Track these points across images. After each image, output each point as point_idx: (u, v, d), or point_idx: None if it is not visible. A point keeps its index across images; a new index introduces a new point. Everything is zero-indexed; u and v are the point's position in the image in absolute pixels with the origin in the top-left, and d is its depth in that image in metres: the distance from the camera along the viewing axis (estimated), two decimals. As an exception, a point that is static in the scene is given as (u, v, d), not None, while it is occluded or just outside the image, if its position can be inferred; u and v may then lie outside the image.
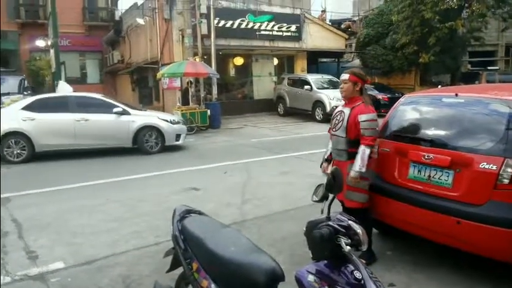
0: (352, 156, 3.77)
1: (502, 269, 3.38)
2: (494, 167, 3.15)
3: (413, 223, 3.67)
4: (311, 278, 2.12)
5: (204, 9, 16.13)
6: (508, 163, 3.10)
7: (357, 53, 23.14)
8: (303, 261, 2.54)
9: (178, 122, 10.78)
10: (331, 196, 2.41)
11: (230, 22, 17.84)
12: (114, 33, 24.93)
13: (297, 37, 19.83)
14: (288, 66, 21.41)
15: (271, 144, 11.31)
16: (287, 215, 5.35)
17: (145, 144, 10.05)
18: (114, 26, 24.97)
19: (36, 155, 9.45)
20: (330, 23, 24.77)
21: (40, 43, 19.94)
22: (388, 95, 17.61)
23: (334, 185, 2.38)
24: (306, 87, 17.09)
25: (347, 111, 3.82)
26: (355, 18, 29.16)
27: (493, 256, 3.25)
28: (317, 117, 16.47)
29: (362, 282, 2.01)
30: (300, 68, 20.89)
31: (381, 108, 14.03)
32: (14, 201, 6.23)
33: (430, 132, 3.81)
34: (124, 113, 9.94)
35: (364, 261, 2.20)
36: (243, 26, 18.22)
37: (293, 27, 19.58)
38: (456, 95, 3.76)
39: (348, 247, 2.03)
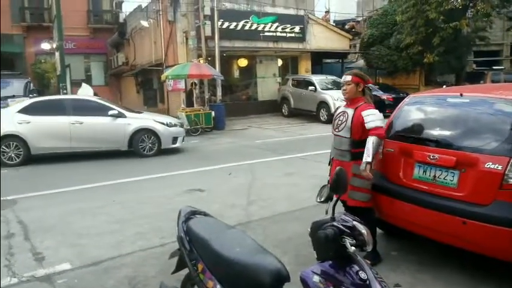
0: (355, 156, 3.77)
1: (506, 269, 3.37)
2: (500, 167, 3.14)
3: (418, 223, 3.66)
4: (316, 278, 2.12)
5: (207, 11, 16.15)
6: (514, 163, 3.09)
7: (361, 53, 23.10)
8: (308, 262, 2.55)
9: (175, 125, 10.60)
10: (335, 197, 2.41)
11: (234, 24, 17.89)
12: (118, 36, 25.05)
13: (301, 38, 19.84)
14: (292, 67, 21.40)
15: (275, 145, 11.31)
16: (292, 216, 5.35)
17: (140, 147, 9.93)
18: (119, 28, 25.09)
19: (32, 158, 9.46)
20: (334, 24, 24.75)
21: (45, 46, 20.06)
22: (393, 95, 17.57)
23: (338, 186, 2.38)
24: (310, 88, 17.07)
25: (350, 111, 3.82)
26: (359, 19, 29.11)
27: (497, 256, 3.24)
28: (321, 118, 16.45)
29: (367, 282, 2.01)
30: (304, 68, 20.88)
31: (386, 108, 13.97)
32: (19, 203, 6.27)
33: (435, 132, 3.80)
34: (119, 115, 9.84)
35: (369, 262, 2.20)
36: (246, 28, 18.26)
37: (297, 28, 19.59)
38: (461, 94, 3.75)
39: (353, 247, 2.03)
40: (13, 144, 9.21)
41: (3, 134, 9.11)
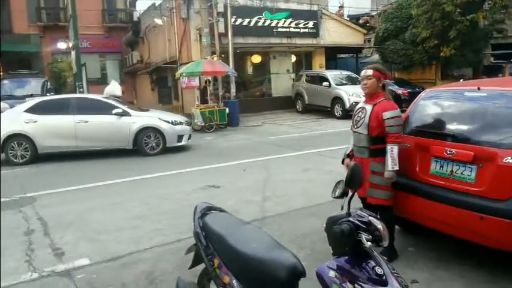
0: (373, 153, 3.73)
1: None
2: (519, 162, 3.09)
3: (435, 219, 3.63)
4: (332, 273, 2.13)
5: (221, 8, 16.17)
6: (533, 157, 3.04)
7: (375, 48, 22.87)
8: (324, 258, 2.55)
9: (180, 123, 10.53)
10: (350, 192, 2.40)
11: (247, 20, 17.89)
12: (133, 34, 25.24)
13: (315, 33, 19.74)
14: (306, 62, 21.30)
15: (290, 141, 11.29)
16: (307, 212, 5.35)
17: (144, 145, 9.91)
18: (133, 27, 25.29)
19: (39, 157, 9.59)
20: (348, 19, 24.55)
21: (61, 45, 20.32)
22: (409, 90, 17.35)
23: (353, 181, 2.38)
24: (325, 83, 16.96)
25: (369, 107, 3.75)
26: (374, 13, 28.81)
27: (517, 252, 3.20)
28: (336, 113, 16.35)
29: (384, 278, 2.01)
30: (318, 64, 20.77)
31: (402, 103, 13.82)
32: (38, 200, 6.40)
33: (452, 126, 3.75)
34: (124, 114, 9.87)
35: (385, 258, 2.19)
36: (260, 24, 18.24)
37: (310, 24, 19.49)
38: (478, 88, 3.70)
39: (369, 243, 2.03)
40: (20, 143, 9.36)
41: (10, 133, 9.27)
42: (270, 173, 7.60)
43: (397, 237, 4.03)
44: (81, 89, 14.83)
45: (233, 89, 16.72)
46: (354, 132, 3.92)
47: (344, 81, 17.15)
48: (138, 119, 10.01)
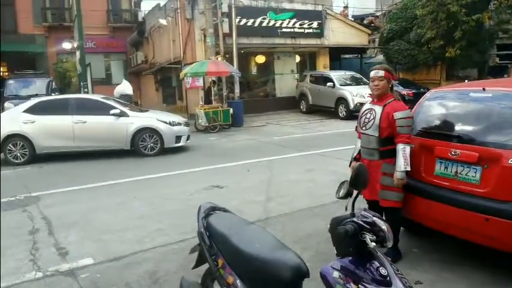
0: (384, 154, 3.69)
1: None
2: (524, 163, 3.07)
3: (439, 220, 3.61)
4: (336, 274, 2.12)
5: (225, 8, 16.20)
6: (539, 158, 3.02)
7: (380, 48, 22.81)
8: (328, 259, 2.54)
9: (179, 124, 10.46)
10: (355, 193, 2.40)
11: (251, 20, 17.88)
12: (137, 35, 25.32)
13: (319, 34, 19.72)
14: (310, 63, 21.28)
15: (294, 142, 11.28)
16: (311, 213, 5.34)
17: (140, 146, 9.86)
18: (138, 27, 25.36)
19: (39, 157, 9.60)
20: (353, 19, 24.50)
21: (66, 45, 20.39)
22: (413, 91, 17.29)
23: (358, 181, 2.37)
24: (329, 84, 16.95)
25: (378, 109, 3.70)
26: (378, 13, 28.74)
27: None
28: (340, 114, 16.32)
29: (388, 278, 2.00)
30: (322, 64, 20.75)
31: (406, 104, 13.73)
32: (43, 200, 6.42)
33: (457, 127, 3.74)
34: (122, 114, 9.82)
35: (389, 259, 2.18)
36: (264, 24, 18.24)
37: (315, 24, 19.48)
38: (484, 89, 3.68)
39: (373, 243, 2.02)
40: (19, 143, 9.37)
41: (9, 133, 9.29)
42: (273, 174, 7.60)
43: (401, 238, 4.02)
44: (85, 89, 14.89)
45: (237, 90, 16.73)
46: (362, 133, 3.86)
47: (348, 82, 17.11)
48: (136, 120, 9.97)
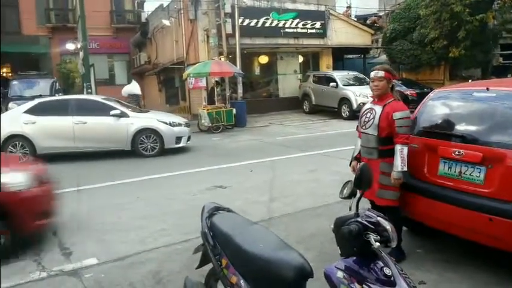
0: (383, 154, 3.71)
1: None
2: (528, 163, 3.06)
3: (443, 220, 3.61)
4: (340, 274, 2.12)
5: (228, 9, 16.20)
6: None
7: (383, 48, 22.77)
8: (332, 259, 2.54)
9: (179, 124, 10.44)
10: (359, 193, 2.40)
11: (254, 21, 17.89)
12: (140, 35, 25.36)
13: (322, 34, 19.70)
14: (313, 63, 21.26)
15: (297, 142, 11.28)
16: (315, 213, 5.34)
17: (140, 147, 9.85)
18: (141, 28, 25.39)
19: (39, 158, 9.58)
20: (355, 19, 24.46)
21: (70, 46, 20.46)
22: (417, 91, 17.22)
23: (362, 181, 2.37)
24: (332, 84, 16.92)
25: (378, 108, 3.73)
26: (381, 14, 28.67)
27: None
28: (343, 114, 16.30)
29: (392, 278, 2.00)
30: (325, 64, 20.72)
31: (409, 104, 13.70)
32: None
33: (461, 127, 3.73)
34: (122, 115, 9.83)
35: (393, 259, 2.18)
36: (267, 25, 18.24)
37: (318, 24, 19.46)
38: (487, 89, 3.67)
39: (377, 243, 2.02)
40: (19, 144, 9.39)
41: (10, 133, 9.30)
42: (277, 174, 7.60)
43: (404, 238, 4.01)
44: (89, 90, 14.92)
45: (240, 90, 16.74)
46: (362, 133, 3.89)
47: (351, 82, 17.08)
48: (136, 120, 9.98)
